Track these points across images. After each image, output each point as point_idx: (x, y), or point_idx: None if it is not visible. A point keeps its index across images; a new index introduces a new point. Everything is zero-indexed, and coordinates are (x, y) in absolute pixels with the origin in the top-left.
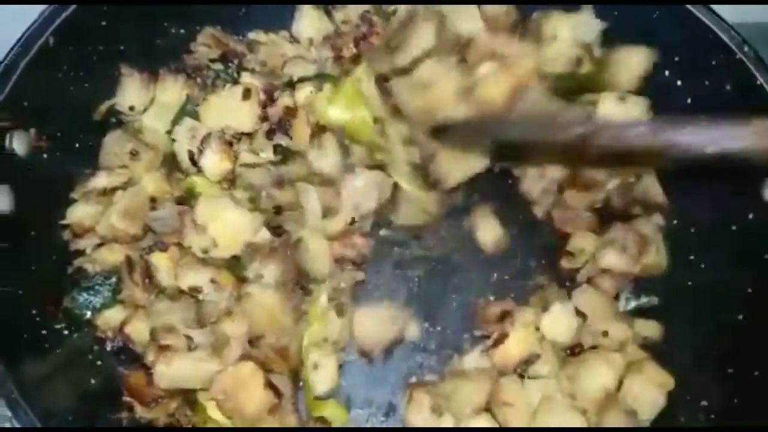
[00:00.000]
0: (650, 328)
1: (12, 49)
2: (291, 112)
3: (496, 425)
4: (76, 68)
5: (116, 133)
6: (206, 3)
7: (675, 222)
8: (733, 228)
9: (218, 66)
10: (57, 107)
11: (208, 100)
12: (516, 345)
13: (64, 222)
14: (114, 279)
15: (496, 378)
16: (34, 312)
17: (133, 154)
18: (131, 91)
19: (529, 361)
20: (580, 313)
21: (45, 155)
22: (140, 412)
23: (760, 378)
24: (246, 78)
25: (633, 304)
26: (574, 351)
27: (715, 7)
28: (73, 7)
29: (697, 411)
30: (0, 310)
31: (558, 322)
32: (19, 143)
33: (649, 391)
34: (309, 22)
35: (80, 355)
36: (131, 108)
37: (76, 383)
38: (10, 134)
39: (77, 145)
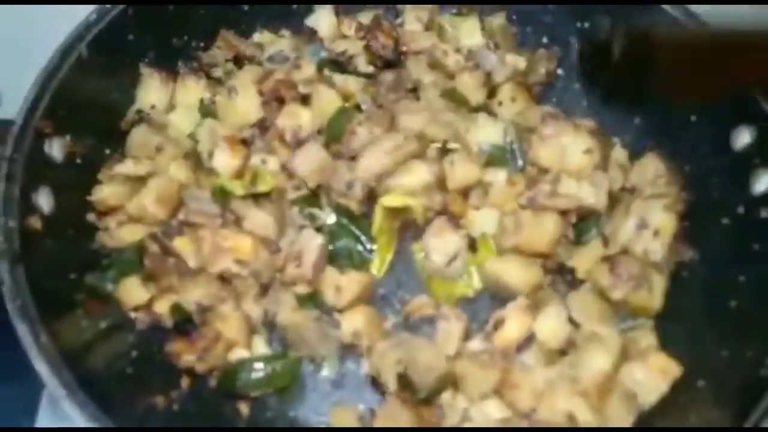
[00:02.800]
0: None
1: (48, 62)
2: (283, 83)
3: (504, 407)
4: (106, 77)
5: (142, 128)
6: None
7: None
8: (724, 221)
9: (229, 66)
10: (89, 114)
11: (218, 102)
12: (514, 328)
13: (90, 198)
14: (129, 253)
15: (502, 364)
16: (72, 298)
17: (159, 149)
18: (151, 90)
19: (527, 341)
20: (573, 322)
21: (78, 160)
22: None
23: (753, 358)
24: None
25: (629, 323)
26: (564, 351)
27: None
28: (105, 21)
29: (695, 392)
30: (43, 297)
31: (550, 326)
32: (57, 148)
33: (653, 378)
34: (325, 16)
35: (115, 330)
36: (152, 107)
37: (117, 358)
38: (49, 140)
39: (107, 151)
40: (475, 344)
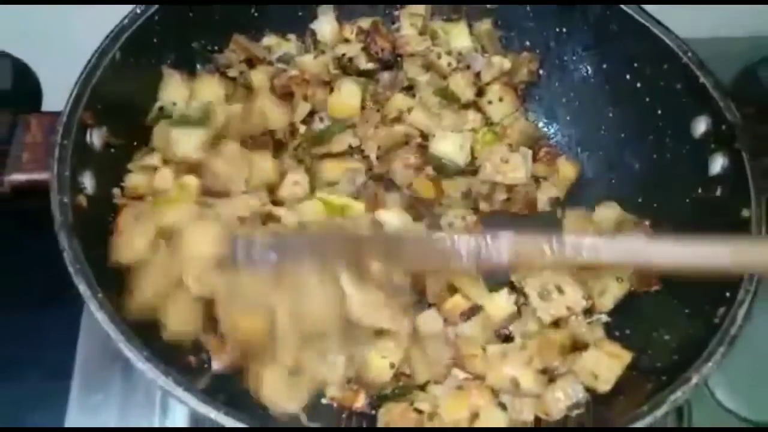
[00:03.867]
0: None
1: (89, 62)
2: (294, 80)
3: (469, 375)
4: (134, 77)
5: (166, 122)
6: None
7: (640, 200)
8: (687, 201)
9: (243, 67)
10: (121, 109)
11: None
12: (462, 297)
13: (122, 185)
14: None
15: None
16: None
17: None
18: (172, 89)
19: (472, 310)
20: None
21: (112, 150)
22: None
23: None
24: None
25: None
26: (508, 337)
27: (666, 22)
28: (134, 27)
29: (650, 372)
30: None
31: (500, 302)
32: (96, 138)
33: (608, 362)
34: (328, 22)
35: None
36: (174, 104)
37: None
38: (90, 131)
39: (135, 143)
40: (429, 319)
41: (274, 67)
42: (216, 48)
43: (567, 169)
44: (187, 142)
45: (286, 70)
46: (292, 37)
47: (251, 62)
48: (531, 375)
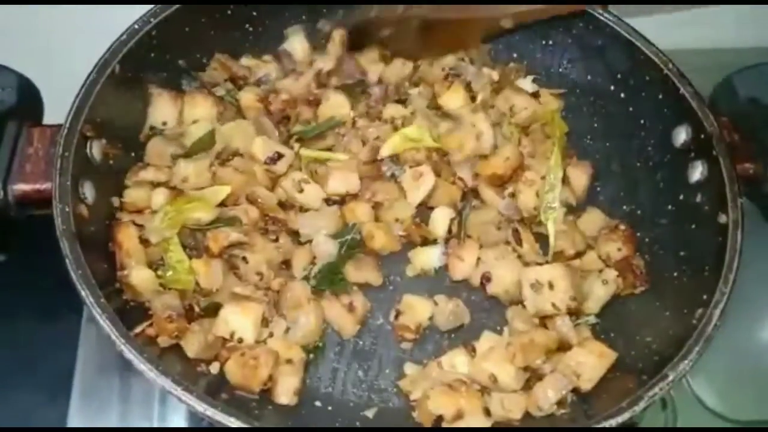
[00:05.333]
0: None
1: (89, 75)
2: (289, 103)
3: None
4: (132, 92)
5: (158, 138)
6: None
7: (624, 207)
8: (669, 208)
9: (229, 85)
10: (118, 122)
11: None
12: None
13: (122, 200)
14: None
15: None
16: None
17: (174, 157)
18: (162, 108)
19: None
20: None
21: (111, 161)
22: None
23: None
24: (244, 95)
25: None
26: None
27: (648, 34)
28: (132, 41)
29: (632, 372)
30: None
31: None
32: (96, 150)
33: (592, 361)
34: (298, 42)
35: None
36: (164, 123)
37: None
38: (90, 143)
39: (133, 154)
40: None
41: (261, 88)
42: (202, 65)
43: None
44: (197, 171)
45: (276, 93)
46: (268, 58)
47: (234, 81)
48: (512, 371)
